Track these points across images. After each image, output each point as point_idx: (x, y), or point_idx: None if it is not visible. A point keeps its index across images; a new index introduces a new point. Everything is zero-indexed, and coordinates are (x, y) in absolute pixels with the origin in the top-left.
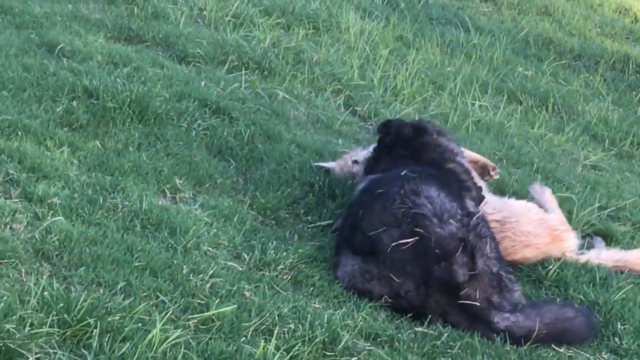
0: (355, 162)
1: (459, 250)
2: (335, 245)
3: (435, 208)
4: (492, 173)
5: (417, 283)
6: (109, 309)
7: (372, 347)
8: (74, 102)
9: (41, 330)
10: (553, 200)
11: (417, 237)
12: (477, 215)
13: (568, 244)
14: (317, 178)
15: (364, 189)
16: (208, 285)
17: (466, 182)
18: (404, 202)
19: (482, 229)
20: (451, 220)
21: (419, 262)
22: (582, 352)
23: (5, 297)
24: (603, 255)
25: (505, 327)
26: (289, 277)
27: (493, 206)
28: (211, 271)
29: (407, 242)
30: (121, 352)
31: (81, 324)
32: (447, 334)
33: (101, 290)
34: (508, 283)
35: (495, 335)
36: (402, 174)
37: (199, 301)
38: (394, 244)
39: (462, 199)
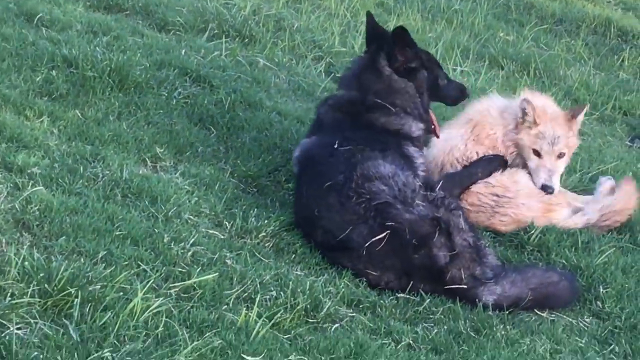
0: None
1: (436, 234)
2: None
3: (393, 190)
4: None
5: (398, 274)
6: (90, 279)
7: (354, 314)
8: (54, 71)
9: (22, 300)
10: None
11: (388, 231)
12: (438, 186)
13: (558, 215)
14: None
15: (301, 171)
16: (189, 253)
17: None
18: (360, 194)
19: (448, 200)
20: (417, 201)
21: (397, 255)
22: (564, 316)
23: None
24: (589, 212)
25: (494, 301)
26: (270, 245)
27: (498, 179)
28: (192, 239)
29: (380, 239)
30: (102, 321)
31: (62, 294)
32: (429, 300)
33: (82, 260)
34: (483, 249)
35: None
36: (335, 146)
37: (180, 270)
38: (366, 244)
39: (406, 156)
